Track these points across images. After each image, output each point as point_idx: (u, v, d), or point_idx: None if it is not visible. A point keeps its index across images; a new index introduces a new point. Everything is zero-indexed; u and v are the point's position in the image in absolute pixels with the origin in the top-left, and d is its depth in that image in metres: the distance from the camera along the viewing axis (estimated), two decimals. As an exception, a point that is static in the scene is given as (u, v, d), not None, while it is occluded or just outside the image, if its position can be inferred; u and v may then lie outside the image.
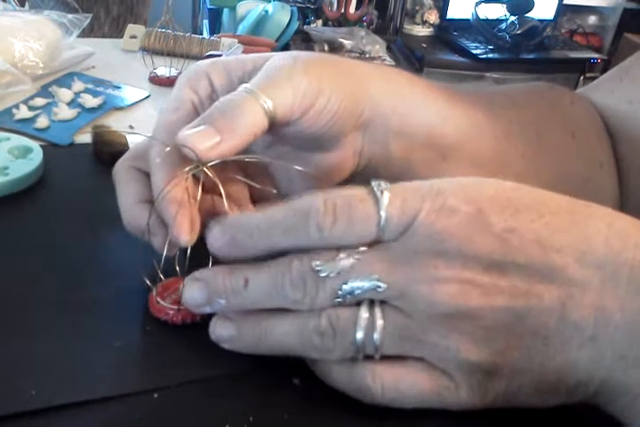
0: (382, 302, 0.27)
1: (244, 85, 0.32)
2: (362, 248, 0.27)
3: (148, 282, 0.35)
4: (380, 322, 0.26)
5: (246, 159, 0.32)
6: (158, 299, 0.34)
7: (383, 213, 0.26)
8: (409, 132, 0.37)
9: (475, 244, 0.26)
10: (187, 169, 0.31)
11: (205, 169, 0.31)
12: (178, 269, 0.35)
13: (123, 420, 0.29)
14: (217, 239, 0.29)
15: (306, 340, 0.28)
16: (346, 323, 0.27)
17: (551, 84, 0.47)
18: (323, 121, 0.34)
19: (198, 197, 0.33)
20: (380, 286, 0.26)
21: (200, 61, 0.35)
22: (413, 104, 0.37)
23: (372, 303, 0.27)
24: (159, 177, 0.32)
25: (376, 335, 0.27)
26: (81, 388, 0.30)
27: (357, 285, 0.26)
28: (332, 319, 0.27)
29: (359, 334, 0.27)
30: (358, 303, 0.27)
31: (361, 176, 0.39)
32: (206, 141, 0.30)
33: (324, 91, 0.33)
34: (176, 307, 0.34)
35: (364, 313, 0.27)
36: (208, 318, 0.31)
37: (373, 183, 0.27)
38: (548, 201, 0.28)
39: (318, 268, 0.27)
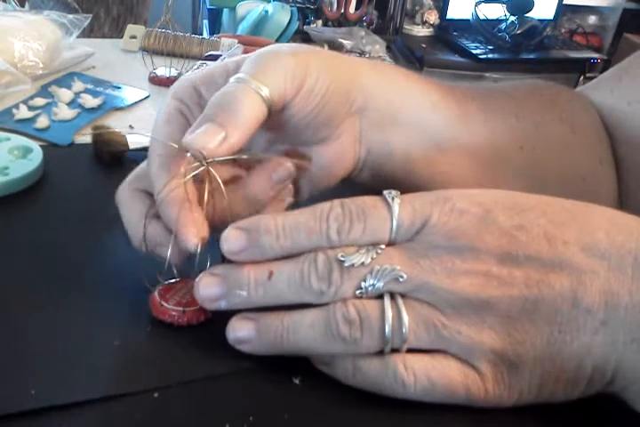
0: (402, 296, 0.28)
1: (235, 76, 0.32)
2: (381, 246, 0.28)
3: (148, 285, 0.35)
4: (404, 314, 0.27)
5: (244, 156, 0.32)
6: (162, 301, 0.34)
7: (395, 218, 0.28)
8: (404, 121, 0.38)
9: (486, 240, 0.27)
10: (191, 166, 0.31)
11: (208, 167, 0.31)
12: (175, 271, 0.35)
13: (123, 420, 0.29)
14: (237, 241, 0.29)
15: (333, 331, 0.28)
16: (373, 312, 0.28)
17: (549, 82, 0.47)
18: (312, 103, 0.34)
19: (205, 200, 0.32)
20: (402, 276, 0.27)
21: (184, 75, 0.35)
22: (407, 94, 0.38)
23: (392, 297, 0.28)
24: (160, 181, 0.32)
25: (404, 328, 0.27)
26: (81, 388, 0.30)
27: (380, 275, 0.27)
28: (360, 308, 0.28)
29: (387, 326, 0.27)
30: (380, 297, 0.28)
31: (366, 171, 0.39)
32: (213, 139, 0.30)
33: (312, 72, 0.33)
34: (181, 309, 0.34)
35: (388, 305, 0.28)
36: (212, 318, 0.31)
37: (385, 192, 0.29)
38: (550, 202, 0.29)
39: (343, 258, 0.28)
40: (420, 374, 0.28)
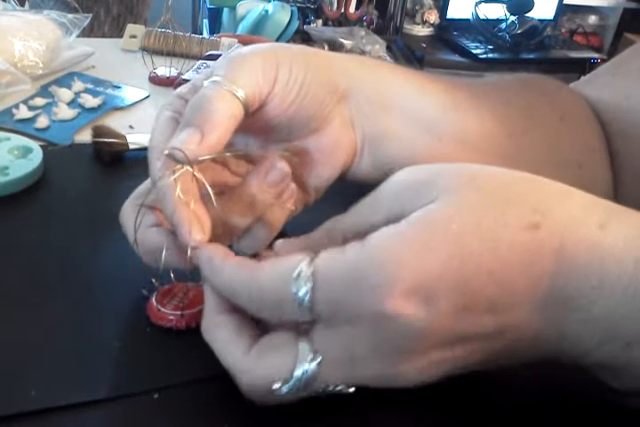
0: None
1: (208, 80, 0.33)
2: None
3: (145, 291, 0.35)
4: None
5: (227, 153, 0.33)
6: (159, 306, 0.34)
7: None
8: (393, 105, 0.38)
9: (428, 340, 0.26)
10: (175, 168, 0.31)
11: (192, 169, 0.30)
12: (172, 275, 0.35)
13: (123, 420, 0.29)
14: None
15: None
16: None
17: (538, 74, 0.47)
18: (292, 94, 0.34)
19: (212, 200, 0.32)
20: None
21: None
22: (392, 80, 0.38)
23: None
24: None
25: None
26: (81, 388, 0.30)
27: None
28: None
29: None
30: None
31: (366, 159, 0.39)
32: (192, 142, 0.30)
33: (283, 63, 0.34)
34: (179, 313, 0.34)
35: None
36: None
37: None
38: (498, 255, 0.26)
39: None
40: None
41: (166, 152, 0.30)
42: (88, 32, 1.15)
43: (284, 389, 0.27)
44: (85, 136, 0.56)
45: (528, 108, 0.43)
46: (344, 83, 0.37)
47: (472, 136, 0.40)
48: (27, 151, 0.50)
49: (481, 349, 0.26)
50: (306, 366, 0.26)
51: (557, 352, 0.28)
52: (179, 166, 0.30)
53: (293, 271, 0.26)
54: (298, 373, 0.26)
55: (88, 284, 0.38)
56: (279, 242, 0.30)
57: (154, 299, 0.34)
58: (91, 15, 0.81)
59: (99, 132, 0.53)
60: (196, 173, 0.31)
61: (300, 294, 0.26)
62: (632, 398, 0.29)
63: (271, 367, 0.27)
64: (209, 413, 0.29)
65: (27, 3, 1.15)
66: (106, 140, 0.53)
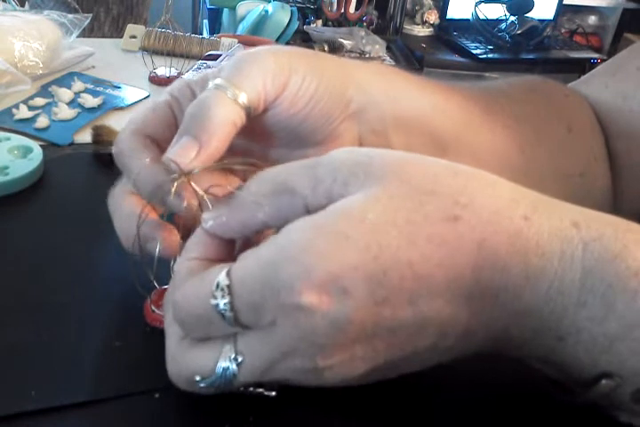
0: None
1: (212, 82, 0.32)
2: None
3: (142, 291, 0.35)
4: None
5: (223, 164, 0.31)
6: (153, 307, 0.34)
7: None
8: (406, 121, 0.37)
9: (348, 333, 0.25)
10: (171, 177, 0.30)
11: (188, 179, 0.30)
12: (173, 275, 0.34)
13: (123, 420, 0.29)
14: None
15: None
16: None
17: (544, 77, 0.47)
18: (301, 103, 0.33)
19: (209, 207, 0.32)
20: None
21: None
22: (407, 93, 0.37)
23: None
24: (144, 190, 0.32)
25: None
26: (81, 388, 0.30)
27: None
28: None
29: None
30: None
31: None
32: (189, 154, 0.30)
33: (297, 70, 0.33)
34: None
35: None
36: None
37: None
38: (416, 246, 0.25)
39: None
40: None
41: (164, 158, 0.30)
42: (88, 32, 1.15)
43: (203, 384, 0.26)
44: (85, 136, 0.56)
45: (538, 121, 0.43)
46: (357, 100, 0.35)
47: (483, 152, 0.40)
48: (27, 151, 0.50)
49: (405, 343, 0.25)
50: (226, 364, 0.26)
51: (493, 347, 0.27)
52: (175, 175, 0.30)
53: (212, 285, 0.25)
54: (218, 371, 0.26)
55: (88, 283, 0.37)
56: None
57: (149, 300, 0.34)
58: (91, 15, 0.81)
59: (99, 132, 0.53)
60: (192, 184, 0.30)
61: (221, 306, 0.25)
62: (579, 395, 0.28)
63: (195, 361, 0.27)
64: (209, 413, 0.29)
65: (27, 3, 1.15)
66: (106, 140, 0.53)
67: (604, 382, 0.27)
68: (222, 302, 0.25)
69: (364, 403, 0.30)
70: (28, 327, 0.33)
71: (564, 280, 0.26)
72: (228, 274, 0.25)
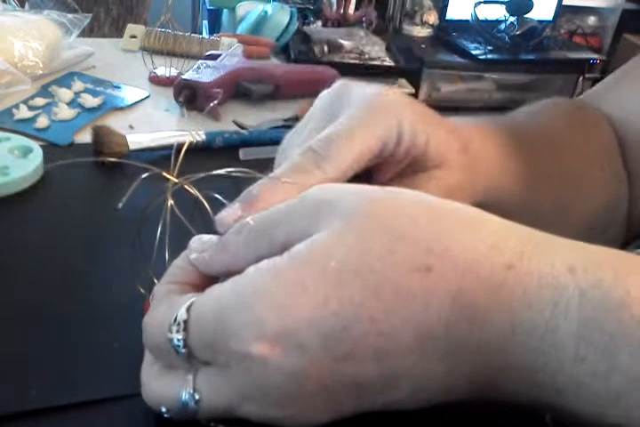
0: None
1: (287, 166, 0.30)
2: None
3: (143, 290, 0.35)
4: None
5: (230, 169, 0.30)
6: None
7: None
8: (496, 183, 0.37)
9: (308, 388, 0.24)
10: (169, 185, 0.30)
11: (186, 186, 0.30)
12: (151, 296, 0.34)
13: (123, 420, 0.29)
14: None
15: None
16: None
17: (570, 100, 0.45)
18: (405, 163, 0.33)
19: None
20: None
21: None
22: (504, 165, 0.37)
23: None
24: None
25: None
26: (81, 388, 0.30)
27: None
28: None
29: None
30: None
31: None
32: (232, 215, 0.29)
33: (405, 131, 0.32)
34: None
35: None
36: None
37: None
38: (382, 290, 0.24)
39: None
40: None
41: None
42: (88, 32, 1.15)
43: (168, 414, 0.26)
44: (85, 136, 0.56)
45: (577, 170, 0.42)
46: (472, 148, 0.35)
47: (519, 207, 0.38)
48: (27, 151, 0.50)
49: (376, 396, 0.24)
50: (186, 399, 0.25)
51: (485, 395, 0.25)
52: (172, 183, 0.30)
53: (172, 317, 0.25)
54: (179, 405, 0.25)
55: (88, 283, 0.37)
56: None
57: (149, 300, 0.34)
58: (91, 15, 0.81)
59: (99, 132, 0.53)
60: (190, 189, 0.30)
61: (175, 342, 0.25)
62: None
63: (160, 391, 0.26)
64: (209, 413, 0.29)
65: (27, 3, 1.15)
66: (106, 140, 0.53)
67: None
68: (176, 338, 0.25)
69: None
70: (28, 327, 0.33)
71: (558, 333, 0.23)
72: (189, 309, 0.25)
